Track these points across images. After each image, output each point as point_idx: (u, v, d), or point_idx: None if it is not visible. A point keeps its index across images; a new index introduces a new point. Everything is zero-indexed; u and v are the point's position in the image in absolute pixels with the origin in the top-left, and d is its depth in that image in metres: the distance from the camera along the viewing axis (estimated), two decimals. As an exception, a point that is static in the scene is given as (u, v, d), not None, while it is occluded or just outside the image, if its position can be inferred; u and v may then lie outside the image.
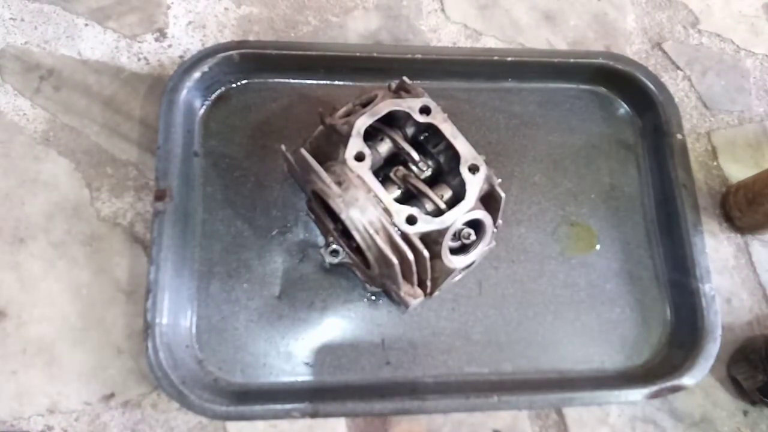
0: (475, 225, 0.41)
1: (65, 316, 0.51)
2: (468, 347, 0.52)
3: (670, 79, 0.65)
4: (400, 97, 0.42)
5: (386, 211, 0.39)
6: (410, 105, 0.41)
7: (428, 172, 0.42)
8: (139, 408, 0.49)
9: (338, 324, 0.52)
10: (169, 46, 0.60)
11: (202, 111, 0.56)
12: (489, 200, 0.42)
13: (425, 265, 0.41)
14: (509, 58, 0.59)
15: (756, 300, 0.58)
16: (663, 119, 0.59)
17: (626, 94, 0.62)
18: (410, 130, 0.42)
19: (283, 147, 0.42)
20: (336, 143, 0.40)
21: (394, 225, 0.39)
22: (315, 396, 0.48)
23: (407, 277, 0.41)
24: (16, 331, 0.50)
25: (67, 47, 0.58)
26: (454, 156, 0.40)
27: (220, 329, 0.50)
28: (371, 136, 0.42)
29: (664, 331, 0.55)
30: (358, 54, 0.57)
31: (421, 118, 0.41)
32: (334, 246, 0.46)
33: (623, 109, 0.62)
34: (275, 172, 0.55)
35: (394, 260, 0.39)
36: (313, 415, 0.47)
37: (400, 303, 0.44)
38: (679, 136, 0.59)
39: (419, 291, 0.43)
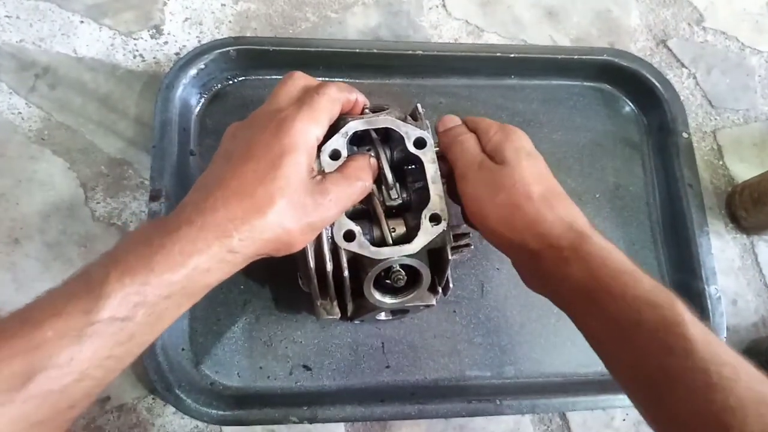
0: (414, 274, 0.40)
1: (59, 318, 0.50)
2: (469, 350, 0.52)
3: (674, 77, 0.64)
4: (405, 121, 0.41)
5: None
6: (408, 131, 0.40)
7: (396, 202, 0.41)
8: (135, 412, 0.49)
9: (337, 327, 0.51)
10: (165, 43, 0.59)
11: (198, 108, 0.56)
12: (438, 258, 0.40)
13: (343, 284, 0.40)
14: (512, 55, 0.58)
15: (762, 301, 0.58)
16: (668, 117, 0.59)
17: (631, 92, 0.61)
18: (399, 155, 0.41)
19: None
20: (330, 135, 0.39)
21: (329, 233, 0.38)
22: (314, 400, 0.47)
23: (323, 289, 0.40)
24: (9, 333, 0.49)
25: (62, 45, 0.58)
26: (426, 199, 0.39)
27: (217, 332, 0.49)
28: (363, 142, 0.41)
29: (669, 334, 0.54)
30: (357, 50, 0.57)
31: (412, 149, 0.39)
32: None
33: (628, 106, 0.62)
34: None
35: (311, 263, 0.38)
36: (312, 420, 0.46)
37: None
38: (684, 135, 0.58)
39: (336, 310, 0.42)
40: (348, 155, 0.39)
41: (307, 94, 0.37)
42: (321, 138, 0.37)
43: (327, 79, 0.56)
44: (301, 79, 0.39)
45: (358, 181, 0.37)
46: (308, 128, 0.35)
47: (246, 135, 0.36)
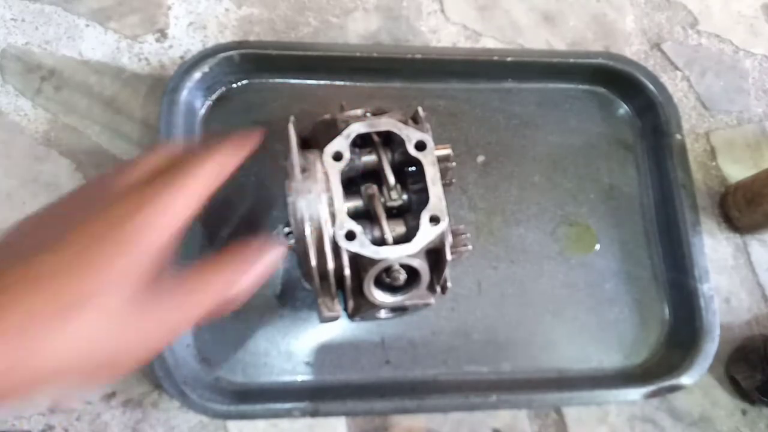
0: (413, 273, 0.41)
1: (67, 315, 0.51)
2: (467, 346, 0.52)
3: (669, 80, 0.65)
4: (406, 124, 0.42)
5: (333, 216, 0.39)
6: (409, 134, 0.41)
7: (397, 203, 0.41)
8: (140, 407, 0.50)
9: (338, 323, 0.51)
10: (170, 46, 0.60)
11: (202, 111, 0.57)
12: (437, 258, 0.41)
13: (344, 281, 0.40)
14: (509, 59, 0.59)
15: (755, 300, 0.58)
16: (662, 119, 0.59)
17: (625, 95, 0.62)
18: (400, 157, 0.42)
19: (292, 117, 0.42)
20: (332, 137, 0.40)
21: (332, 232, 0.39)
22: (315, 395, 0.48)
23: (325, 287, 0.41)
24: (17, 330, 0.50)
25: (68, 48, 0.59)
26: (425, 200, 0.40)
27: (221, 328, 0.50)
28: (364, 144, 0.42)
29: (662, 331, 0.55)
30: (358, 54, 0.58)
31: (413, 151, 0.40)
32: (288, 229, 0.45)
33: (622, 109, 0.62)
34: (276, 172, 0.55)
35: (313, 262, 0.39)
36: (314, 414, 0.47)
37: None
38: (678, 137, 0.59)
39: (338, 308, 0.43)
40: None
41: (159, 184, 0.28)
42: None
43: (328, 83, 0.58)
44: (153, 160, 0.30)
45: (194, 297, 0.28)
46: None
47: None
